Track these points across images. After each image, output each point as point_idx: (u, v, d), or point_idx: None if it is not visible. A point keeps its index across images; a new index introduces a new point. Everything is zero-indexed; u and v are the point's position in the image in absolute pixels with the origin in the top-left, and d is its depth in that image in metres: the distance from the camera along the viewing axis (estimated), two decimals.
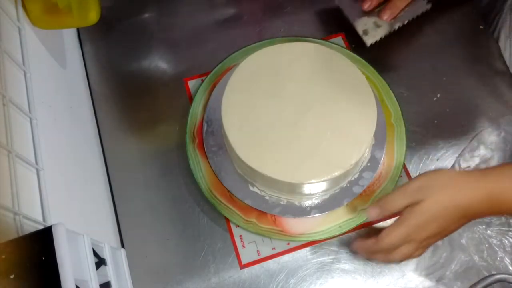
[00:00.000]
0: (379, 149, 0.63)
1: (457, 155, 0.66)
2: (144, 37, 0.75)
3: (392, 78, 0.69)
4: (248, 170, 0.59)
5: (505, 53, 0.73)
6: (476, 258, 0.61)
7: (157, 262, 0.62)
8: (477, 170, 0.51)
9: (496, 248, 0.61)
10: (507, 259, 0.61)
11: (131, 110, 0.71)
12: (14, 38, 0.52)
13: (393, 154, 0.64)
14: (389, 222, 0.61)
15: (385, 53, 0.69)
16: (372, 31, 0.67)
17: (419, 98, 0.70)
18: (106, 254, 0.52)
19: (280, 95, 0.61)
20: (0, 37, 0.48)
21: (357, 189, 0.62)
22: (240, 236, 0.63)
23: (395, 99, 0.67)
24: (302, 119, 0.59)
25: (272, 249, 0.62)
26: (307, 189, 0.59)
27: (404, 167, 0.66)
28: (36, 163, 0.47)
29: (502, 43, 0.74)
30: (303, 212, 0.61)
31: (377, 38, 0.67)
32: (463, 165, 0.65)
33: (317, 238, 0.61)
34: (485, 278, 0.58)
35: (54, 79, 0.60)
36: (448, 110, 0.70)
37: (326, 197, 0.62)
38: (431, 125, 0.69)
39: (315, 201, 0.61)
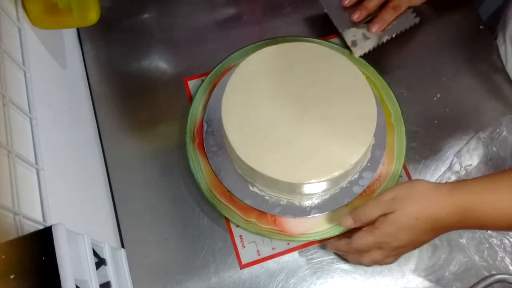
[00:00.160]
0: (379, 149, 0.63)
1: (457, 155, 0.66)
2: (144, 37, 0.75)
3: (392, 78, 0.69)
4: (248, 170, 0.59)
5: (501, 50, 0.73)
6: (476, 258, 0.61)
7: (157, 262, 0.62)
8: (449, 183, 0.52)
9: (497, 248, 0.61)
10: (507, 259, 0.61)
11: (131, 110, 0.71)
12: (14, 38, 0.52)
13: (393, 154, 0.64)
14: None
15: (385, 53, 0.69)
16: (361, 42, 0.67)
17: (419, 98, 0.70)
18: (106, 254, 0.52)
19: (280, 95, 0.61)
20: (0, 37, 0.48)
21: (357, 189, 0.62)
22: (240, 236, 0.63)
23: (395, 99, 0.67)
24: (302, 119, 0.59)
25: (272, 249, 0.62)
26: (307, 189, 0.59)
27: (404, 167, 0.66)
28: (36, 163, 0.47)
29: (500, 41, 0.74)
30: (303, 212, 0.61)
31: (366, 50, 0.68)
32: (463, 164, 0.65)
33: (317, 238, 0.61)
34: (485, 278, 0.58)
35: (54, 79, 0.60)
36: (448, 110, 0.70)
37: (326, 197, 0.62)
38: (431, 125, 0.69)
39: (315, 201, 0.61)
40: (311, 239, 0.61)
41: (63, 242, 0.38)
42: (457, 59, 0.73)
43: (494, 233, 0.62)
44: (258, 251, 0.62)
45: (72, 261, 0.38)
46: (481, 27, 0.76)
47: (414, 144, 0.68)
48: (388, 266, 0.61)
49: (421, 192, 0.51)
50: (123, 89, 0.72)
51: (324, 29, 0.74)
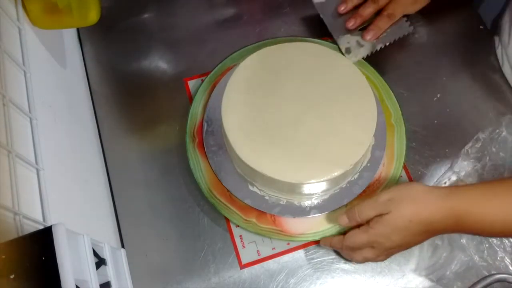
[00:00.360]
0: (379, 149, 0.63)
1: (457, 155, 0.66)
2: (144, 37, 0.75)
3: (392, 78, 0.69)
4: (248, 170, 0.59)
5: (498, 52, 0.73)
6: (476, 258, 0.61)
7: (157, 262, 0.62)
8: (445, 187, 0.53)
9: (496, 248, 0.61)
10: (507, 259, 0.61)
11: (131, 110, 0.71)
12: (14, 38, 0.52)
13: (393, 154, 0.64)
14: None
15: (385, 53, 0.69)
16: (354, 50, 0.67)
17: (419, 98, 0.71)
18: (106, 254, 0.52)
19: (280, 95, 0.61)
20: (0, 37, 0.48)
21: (357, 189, 0.61)
22: (240, 236, 0.63)
23: (395, 99, 0.67)
24: (302, 119, 0.59)
25: (272, 249, 0.62)
26: (306, 189, 0.59)
27: (404, 167, 0.66)
28: (36, 163, 0.47)
29: (496, 44, 0.74)
30: (302, 212, 0.61)
31: (359, 57, 0.68)
32: (463, 164, 0.65)
33: (317, 238, 0.61)
34: (485, 278, 0.58)
35: (54, 79, 0.60)
36: (448, 110, 0.70)
37: (325, 197, 0.62)
38: (431, 125, 0.69)
39: (315, 201, 0.61)
40: (310, 239, 0.61)
41: (63, 242, 0.38)
42: (457, 59, 0.74)
43: None
44: (258, 251, 0.62)
45: (72, 261, 0.38)
46: (481, 27, 0.76)
47: (414, 144, 0.68)
48: (388, 266, 0.61)
49: (417, 195, 0.52)
50: (123, 89, 0.72)
51: (323, 29, 0.74)
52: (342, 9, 0.69)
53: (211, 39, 0.75)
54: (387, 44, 0.68)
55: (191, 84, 0.72)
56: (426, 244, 0.61)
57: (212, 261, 0.62)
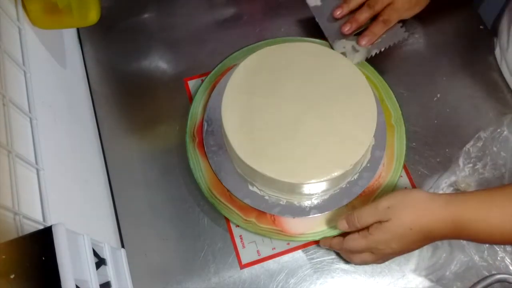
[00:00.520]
0: (379, 149, 0.63)
1: (457, 155, 0.66)
2: (144, 37, 0.75)
3: (392, 78, 0.69)
4: (248, 170, 0.59)
5: (496, 52, 0.73)
6: (476, 258, 0.61)
7: (157, 262, 0.62)
8: (445, 195, 0.53)
9: (497, 248, 0.61)
10: (508, 259, 0.61)
11: (131, 110, 0.71)
12: (14, 38, 0.52)
13: (393, 154, 0.64)
14: None
15: (385, 53, 0.69)
16: (350, 55, 0.67)
17: (419, 98, 0.70)
18: (106, 254, 0.52)
19: (280, 95, 0.61)
20: (0, 37, 0.48)
21: (357, 190, 0.61)
22: (240, 236, 0.63)
23: (395, 99, 0.67)
24: (302, 119, 0.59)
25: (272, 249, 0.62)
26: (306, 189, 0.59)
27: (404, 167, 0.66)
28: (36, 163, 0.47)
29: (495, 45, 0.74)
30: (302, 212, 0.61)
31: (354, 63, 0.68)
32: (463, 164, 0.65)
33: (317, 238, 0.61)
34: (485, 278, 0.58)
35: (54, 79, 0.60)
36: (448, 110, 0.70)
37: (325, 197, 0.61)
38: (431, 125, 0.69)
39: (315, 201, 0.61)
40: (310, 239, 0.61)
41: (63, 242, 0.38)
42: (457, 59, 0.73)
43: None
44: (258, 251, 0.62)
45: (72, 261, 0.38)
46: (481, 27, 0.76)
47: (414, 144, 0.68)
48: (388, 266, 0.61)
49: (417, 202, 0.52)
50: (123, 89, 0.72)
51: None
52: (338, 13, 0.69)
53: (211, 39, 0.75)
54: (382, 49, 0.68)
55: (191, 84, 0.72)
56: None
57: (212, 261, 0.62)
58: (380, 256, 0.55)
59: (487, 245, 0.61)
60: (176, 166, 0.66)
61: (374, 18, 0.68)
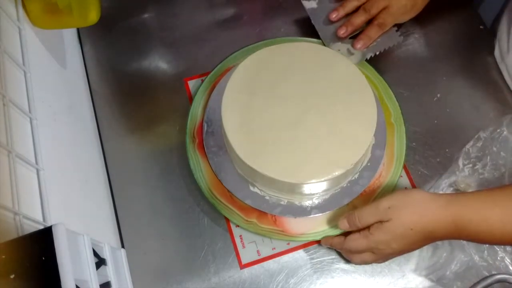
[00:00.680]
0: (379, 149, 0.63)
1: (457, 155, 0.66)
2: (144, 37, 0.75)
3: (392, 78, 0.69)
4: (248, 170, 0.59)
5: (496, 52, 0.73)
6: (476, 258, 0.61)
7: (157, 262, 0.62)
8: (446, 195, 0.53)
9: (497, 248, 0.61)
10: (507, 259, 0.61)
11: (131, 110, 0.71)
12: (14, 38, 0.52)
13: (393, 154, 0.64)
14: None
15: (385, 53, 0.69)
16: None
17: (419, 98, 0.70)
18: (106, 254, 0.52)
19: (280, 95, 0.61)
20: (0, 37, 0.48)
21: (357, 189, 0.61)
22: (240, 236, 0.63)
23: (395, 98, 0.67)
24: (302, 119, 0.59)
25: (272, 249, 0.62)
26: (307, 189, 0.59)
27: (404, 167, 0.66)
28: (36, 163, 0.47)
29: (495, 45, 0.74)
30: (303, 212, 0.61)
31: None
32: (463, 164, 0.65)
33: (318, 238, 0.61)
34: (485, 278, 0.58)
35: (54, 79, 0.60)
36: (448, 110, 0.70)
37: (326, 197, 0.61)
38: (431, 125, 0.69)
39: (316, 201, 0.61)
40: (311, 239, 0.61)
41: (63, 242, 0.38)
42: (457, 59, 0.74)
43: None
44: (258, 251, 0.62)
45: (72, 261, 0.38)
46: (481, 27, 0.76)
47: (414, 144, 0.68)
48: (388, 266, 0.61)
49: (418, 203, 0.52)
50: (123, 89, 0.72)
51: None
52: (334, 16, 0.69)
53: (211, 39, 0.75)
54: (377, 53, 0.68)
55: (191, 84, 0.71)
56: None
57: (212, 261, 0.62)
58: (380, 256, 0.55)
59: (487, 245, 0.61)
60: (176, 166, 0.66)
61: (369, 22, 0.68)
